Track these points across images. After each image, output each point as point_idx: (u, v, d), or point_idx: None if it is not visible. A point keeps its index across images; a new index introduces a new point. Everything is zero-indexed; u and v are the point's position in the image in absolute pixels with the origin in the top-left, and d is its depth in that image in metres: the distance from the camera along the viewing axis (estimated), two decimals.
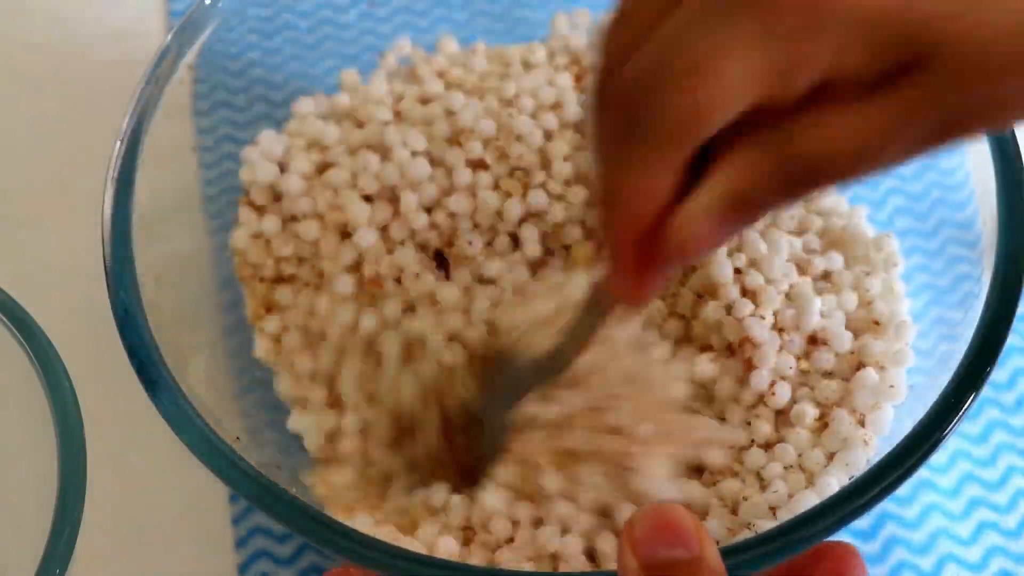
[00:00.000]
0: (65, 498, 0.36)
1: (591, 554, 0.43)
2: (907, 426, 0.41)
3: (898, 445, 0.40)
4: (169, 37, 0.49)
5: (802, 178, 0.34)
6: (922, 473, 0.46)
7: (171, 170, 0.50)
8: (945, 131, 0.33)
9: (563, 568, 0.42)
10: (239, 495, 0.40)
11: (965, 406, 0.41)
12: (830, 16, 0.31)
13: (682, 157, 0.34)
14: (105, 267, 0.44)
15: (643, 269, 0.36)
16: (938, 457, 0.49)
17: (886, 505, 0.48)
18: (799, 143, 0.33)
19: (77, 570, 0.36)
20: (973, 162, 0.47)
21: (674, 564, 0.32)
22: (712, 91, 0.32)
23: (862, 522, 0.47)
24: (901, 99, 0.32)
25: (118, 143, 0.46)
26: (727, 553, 0.37)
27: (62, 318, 0.44)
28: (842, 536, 0.40)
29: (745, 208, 0.35)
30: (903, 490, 0.45)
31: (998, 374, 0.52)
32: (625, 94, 0.35)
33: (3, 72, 0.61)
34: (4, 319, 0.39)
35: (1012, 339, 0.45)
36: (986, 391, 0.45)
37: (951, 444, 0.50)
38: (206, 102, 0.53)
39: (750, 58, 0.32)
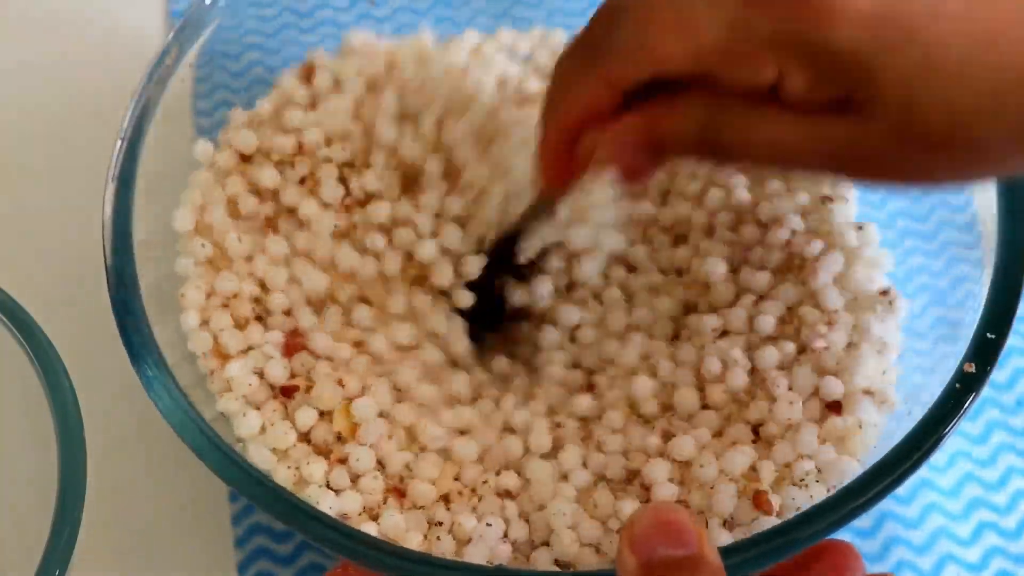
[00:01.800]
0: (65, 498, 0.36)
1: None
2: (907, 426, 0.41)
3: (898, 445, 0.40)
4: (170, 36, 0.49)
5: (712, 149, 0.38)
6: (922, 473, 0.46)
7: (172, 169, 0.50)
8: (860, 170, 0.37)
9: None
10: (239, 494, 0.40)
11: (965, 406, 0.41)
12: (755, 35, 0.34)
13: (619, 81, 0.38)
14: (106, 265, 0.44)
15: (563, 164, 0.41)
16: (938, 457, 0.49)
17: (886, 504, 0.48)
18: (726, 121, 0.37)
19: (77, 570, 0.37)
20: None
21: (673, 563, 0.32)
22: (662, 42, 0.36)
23: (863, 521, 0.48)
24: (829, 130, 0.35)
25: (119, 142, 0.46)
26: (727, 552, 0.37)
27: (62, 318, 0.44)
28: (843, 535, 0.40)
29: (653, 148, 0.39)
30: (903, 489, 0.45)
31: (998, 374, 0.52)
32: (593, 24, 0.39)
33: (3, 72, 0.61)
34: (4, 319, 0.39)
35: (1012, 339, 0.45)
36: (986, 391, 0.45)
37: (951, 444, 0.50)
38: (207, 102, 0.53)
39: (707, 31, 0.35)
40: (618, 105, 0.39)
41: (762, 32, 0.34)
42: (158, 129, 0.48)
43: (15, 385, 0.39)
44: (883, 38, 0.33)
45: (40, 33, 0.63)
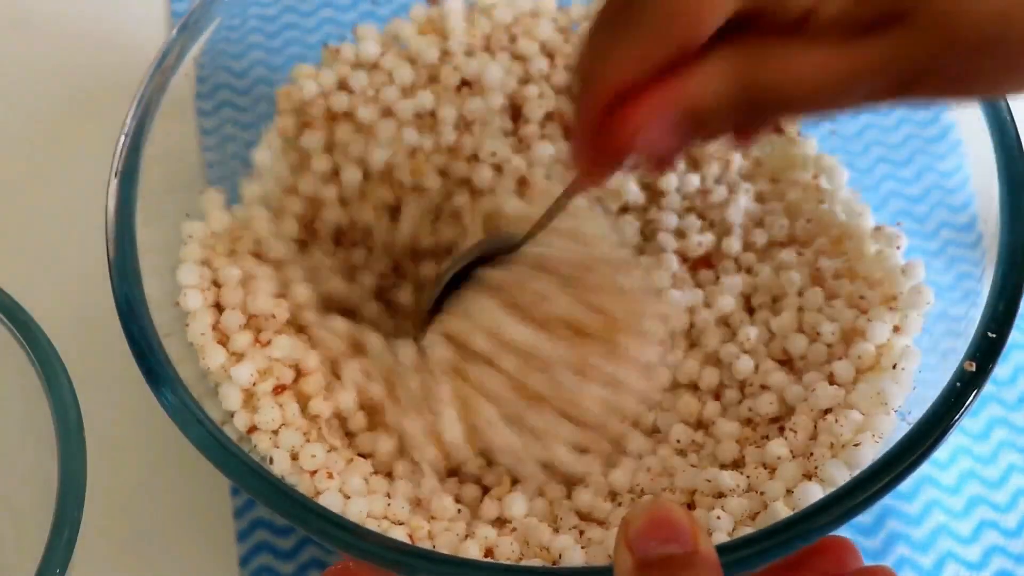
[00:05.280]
0: (65, 498, 0.36)
1: None
2: (907, 425, 0.41)
3: (898, 443, 0.40)
4: (173, 34, 0.49)
5: (751, 99, 0.35)
6: (923, 469, 0.46)
7: (175, 167, 0.50)
8: (905, 87, 0.34)
9: None
10: (241, 488, 0.40)
11: (965, 405, 0.41)
12: None
13: (661, 51, 0.35)
14: (108, 259, 0.44)
15: (598, 149, 0.38)
16: (939, 453, 0.49)
17: (888, 500, 0.48)
18: (764, 61, 0.34)
19: (77, 569, 0.37)
20: (975, 163, 0.47)
21: (669, 560, 0.32)
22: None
23: (864, 517, 0.47)
24: (873, 48, 0.33)
25: (122, 137, 0.46)
26: (724, 549, 0.37)
27: (62, 318, 0.44)
28: (844, 531, 0.39)
29: (695, 119, 0.36)
30: (905, 485, 0.45)
31: (1000, 371, 0.52)
32: None
33: (5, 72, 0.62)
34: (4, 319, 0.39)
35: (1014, 335, 0.45)
36: (987, 388, 0.45)
37: (952, 440, 0.50)
38: (209, 102, 0.53)
39: None
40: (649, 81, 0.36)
41: None
42: (162, 127, 0.48)
43: (15, 385, 0.39)
44: None
45: (41, 33, 0.63)
